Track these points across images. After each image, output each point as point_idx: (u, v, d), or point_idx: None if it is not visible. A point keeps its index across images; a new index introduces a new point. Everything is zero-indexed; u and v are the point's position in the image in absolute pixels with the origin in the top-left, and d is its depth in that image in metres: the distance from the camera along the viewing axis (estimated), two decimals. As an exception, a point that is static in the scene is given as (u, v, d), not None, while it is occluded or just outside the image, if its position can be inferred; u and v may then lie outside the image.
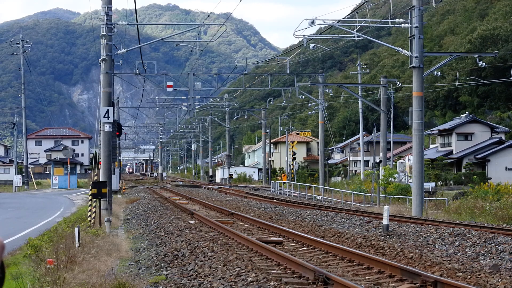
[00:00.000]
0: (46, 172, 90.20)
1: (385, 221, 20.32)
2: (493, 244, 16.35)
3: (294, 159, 69.16)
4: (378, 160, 51.54)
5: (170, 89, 49.09)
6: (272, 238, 19.55)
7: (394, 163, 60.93)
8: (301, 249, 17.41)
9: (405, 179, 51.77)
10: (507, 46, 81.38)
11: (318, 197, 47.45)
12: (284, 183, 58.57)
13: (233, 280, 11.82)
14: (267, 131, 78.38)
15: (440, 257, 15.35)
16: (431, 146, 72.68)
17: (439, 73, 37.83)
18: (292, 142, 73.12)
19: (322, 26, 39.94)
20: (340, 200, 43.55)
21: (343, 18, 37.37)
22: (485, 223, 23.20)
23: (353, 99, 73.87)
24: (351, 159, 78.41)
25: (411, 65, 29.15)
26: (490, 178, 55.92)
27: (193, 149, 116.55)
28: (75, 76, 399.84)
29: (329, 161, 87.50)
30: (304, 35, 34.00)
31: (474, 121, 68.50)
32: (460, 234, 18.34)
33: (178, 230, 20.83)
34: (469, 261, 14.68)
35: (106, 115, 26.80)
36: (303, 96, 63.66)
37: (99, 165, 28.02)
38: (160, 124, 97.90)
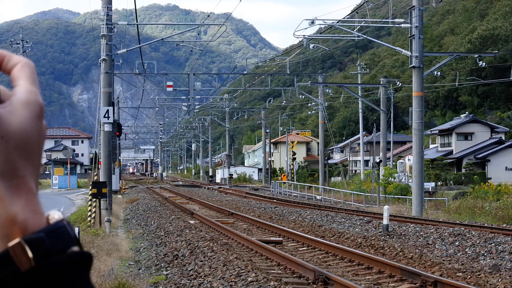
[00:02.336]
0: (46, 172, 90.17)
1: (385, 221, 20.32)
2: (493, 244, 16.36)
3: (294, 159, 69.15)
4: (378, 160, 51.54)
5: (170, 89, 49.09)
6: (272, 238, 19.55)
7: (394, 163, 60.93)
8: (301, 249, 17.41)
9: (405, 179, 51.76)
10: (507, 46, 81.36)
11: (318, 197, 47.44)
12: (284, 183, 58.55)
13: (233, 280, 11.82)
14: (267, 131, 78.37)
15: (440, 257, 15.35)
16: (431, 146, 72.68)
17: (439, 73, 37.88)
18: (292, 142, 73.10)
19: (322, 26, 39.96)
20: (340, 200, 43.54)
21: (343, 18, 37.40)
22: (485, 223, 23.20)
23: (353, 99, 73.89)
24: (351, 159, 78.41)
25: (411, 65, 29.15)
26: (490, 178, 55.91)
27: (193, 149, 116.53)
28: (75, 76, 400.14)
29: (329, 161, 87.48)
30: (304, 35, 34.03)
31: (474, 121, 68.49)
32: (460, 234, 18.35)
33: (178, 230, 20.83)
34: (469, 261, 14.69)
35: (106, 115, 26.81)
36: (303, 96, 63.65)
37: (99, 165, 28.03)
38: (160, 124, 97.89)
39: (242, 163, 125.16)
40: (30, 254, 0.80)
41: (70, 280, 0.83)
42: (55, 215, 0.87)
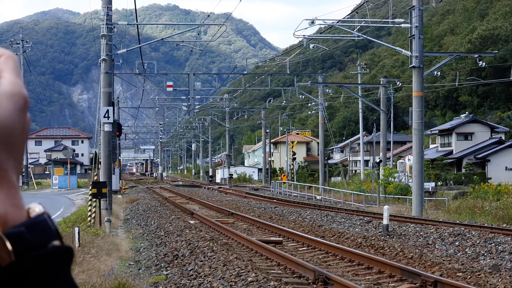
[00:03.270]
0: (46, 172, 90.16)
1: (385, 221, 20.32)
2: (493, 244, 16.35)
3: (294, 159, 69.15)
4: (378, 160, 51.53)
5: (170, 89, 49.08)
6: (272, 238, 19.55)
7: (394, 163, 60.91)
8: (301, 249, 17.41)
9: (405, 179, 51.76)
10: (507, 46, 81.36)
11: (318, 197, 47.44)
12: (284, 183, 58.55)
13: (233, 280, 11.82)
14: (267, 131, 78.38)
15: (440, 257, 15.35)
16: (431, 146, 72.67)
17: (439, 73, 37.88)
18: (292, 142, 73.11)
19: (322, 26, 39.96)
20: (340, 200, 43.54)
21: (343, 18, 37.41)
22: (485, 223, 23.20)
23: (353, 99, 73.89)
24: (351, 159, 78.40)
25: (411, 65, 29.15)
26: (490, 178, 55.91)
27: (193, 149, 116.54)
28: (75, 76, 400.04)
29: (329, 161, 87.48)
30: (304, 35, 34.03)
31: (474, 121, 68.49)
32: (460, 234, 18.35)
33: (178, 230, 20.83)
34: (469, 261, 14.69)
35: (106, 115, 26.80)
36: (303, 96, 63.65)
37: (99, 165, 28.02)
38: (160, 124, 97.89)
39: (242, 163, 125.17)
40: (10, 248, 0.78)
41: (51, 275, 0.81)
42: (35, 209, 0.85)
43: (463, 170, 62.69)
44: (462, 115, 71.44)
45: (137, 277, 12.87)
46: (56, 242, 0.82)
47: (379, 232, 20.16)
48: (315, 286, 11.79)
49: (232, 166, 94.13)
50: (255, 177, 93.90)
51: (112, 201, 27.77)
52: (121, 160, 62.06)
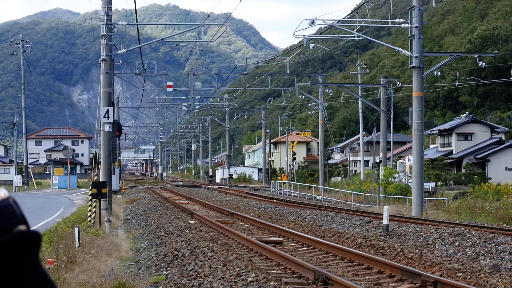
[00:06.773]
0: (46, 172, 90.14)
1: (385, 221, 20.32)
2: (493, 244, 16.35)
3: (294, 159, 69.14)
4: (378, 160, 51.52)
5: (170, 89, 49.07)
6: (272, 238, 19.55)
7: (394, 163, 60.90)
8: (301, 249, 17.41)
9: (405, 179, 51.75)
10: (507, 46, 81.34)
11: (318, 197, 47.44)
12: (284, 183, 58.55)
13: (233, 280, 11.82)
14: (267, 131, 78.36)
15: (440, 257, 15.35)
16: (431, 146, 72.66)
17: (439, 73, 37.86)
18: (292, 142, 73.10)
19: (322, 26, 39.96)
20: (340, 200, 43.54)
21: (343, 18, 37.39)
22: (485, 223, 23.20)
23: (353, 99, 73.84)
24: (351, 159, 78.37)
25: (411, 65, 29.15)
26: (490, 178, 55.90)
27: (193, 149, 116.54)
28: (75, 76, 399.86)
29: (329, 161, 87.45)
30: (304, 35, 34.01)
31: (474, 121, 68.47)
32: (460, 234, 18.34)
33: (178, 230, 20.83)
34: (469, 261, 14.68)
35: (106, 115, 26.80)
36: (303, 96, 63.65)
37: (99, 165, 28.01)
38: (160, 124, 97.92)
39: (242, 163, 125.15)
40: None
41: (16, 260, 0.78)
42: (0, 194, 0.83)
43: (463, 170, 62.68)
44: (462, 115, 71.43)
45: (137, 277, 12.87)
46: (22, 227, 0.80)
47: (379, 232, 20.16)
48: (315, 286, 11.79)
49: (232, 166, 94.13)
50: (255, 177, 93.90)
51: (112, 201, 27.76)
52: (121, 160, 62.03)
